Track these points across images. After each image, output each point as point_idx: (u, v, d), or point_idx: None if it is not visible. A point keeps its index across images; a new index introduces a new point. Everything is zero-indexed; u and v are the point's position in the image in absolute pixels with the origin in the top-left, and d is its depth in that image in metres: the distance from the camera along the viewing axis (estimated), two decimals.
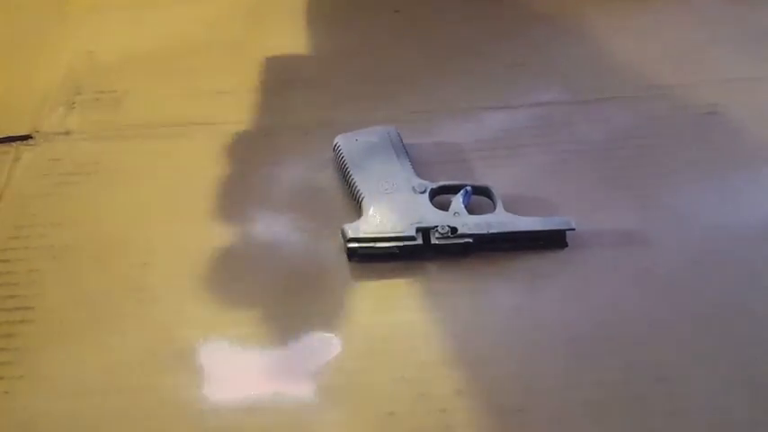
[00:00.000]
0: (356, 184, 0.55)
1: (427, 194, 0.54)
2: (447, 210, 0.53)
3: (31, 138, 0.63)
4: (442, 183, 0.55)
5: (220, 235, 0.55)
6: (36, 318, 0.50)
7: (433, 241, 0.52)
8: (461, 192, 0.54)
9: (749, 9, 0.73)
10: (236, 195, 0.58)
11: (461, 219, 0.53)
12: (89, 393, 0.46)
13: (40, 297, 0.52)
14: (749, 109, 0.62)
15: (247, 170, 0.60)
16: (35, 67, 0.70)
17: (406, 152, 0.57)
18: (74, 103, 0.66)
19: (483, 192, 0.55)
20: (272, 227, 0.55)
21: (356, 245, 0.52)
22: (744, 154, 0.59)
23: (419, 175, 0.56)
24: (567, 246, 0.53)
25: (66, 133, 0.63)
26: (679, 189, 0.57)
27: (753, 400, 0.45)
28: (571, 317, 0.49)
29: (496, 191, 0.55)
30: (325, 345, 0.49)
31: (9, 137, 0.63)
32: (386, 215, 0.53)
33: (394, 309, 0.50)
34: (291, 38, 0.72)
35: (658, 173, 0.58)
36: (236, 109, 0.65)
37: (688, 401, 0.45)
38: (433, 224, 0.52)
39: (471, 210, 0.54)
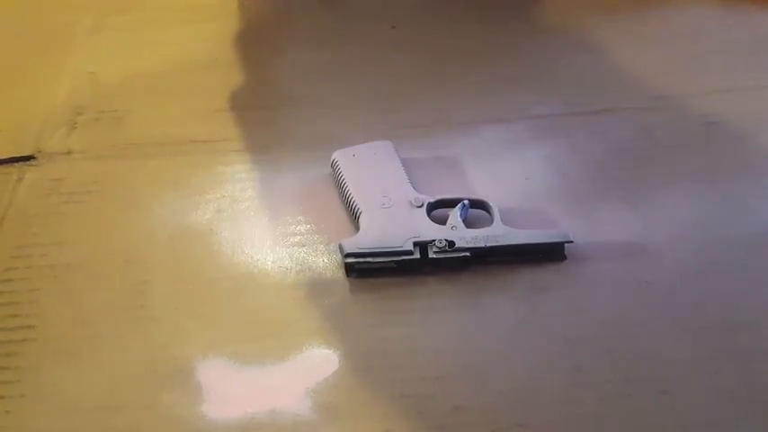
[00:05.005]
0: (353, 199, 0.55)
1: (424, 209, 0.54)
2: (444, 224, 0.53)
3: (34, 158, 0.63)
4: (439, 197, 0.55)
5: (219, 252, 0.55)
6: (38, 336, 0.51)
7: (431, 255, 0.52)
8: (459, 205, 0.54)
9: (748, 19, 0.73)
10: (235, 212, 0.58)
11: (459, 232, 0.53)
12: (90, 411, 0.47)
13: (42, 316, 0.52)
14: (749, 119, 0.62)
15: (246, 187, 0.60)
16: (37, 88, 0.71)
17: (404, 167, 0.57)
18: (75, 123, 0.66)
19: (480, 205, 0.55)
20: (269, 243, 0.56)
21: (353, 260, 0.52)
22: (744, 164, 0.59)
23: (416, 189, 0.56)
24: (565, 258, 0.53)
25: (68, 153, 0.64)
26: (679, 200, 0.57)
27: (756, 412, 0.44)
28: (571, 330, 0.49)
29: (494, 204, 0.54)
30: (323, 361, 0.48)
31: (12, 158, 0.63)
32: (383, 230, 0.53)
33: (392, 324, 0.50)
34: (290, 55, 0.73)
35: (658, 184, 0.58)
36: (235, 127, 0.65)
37: (690, 415, 0.44)
38: (430, 238, 0.52)
39: (469, 223, 0.54)
